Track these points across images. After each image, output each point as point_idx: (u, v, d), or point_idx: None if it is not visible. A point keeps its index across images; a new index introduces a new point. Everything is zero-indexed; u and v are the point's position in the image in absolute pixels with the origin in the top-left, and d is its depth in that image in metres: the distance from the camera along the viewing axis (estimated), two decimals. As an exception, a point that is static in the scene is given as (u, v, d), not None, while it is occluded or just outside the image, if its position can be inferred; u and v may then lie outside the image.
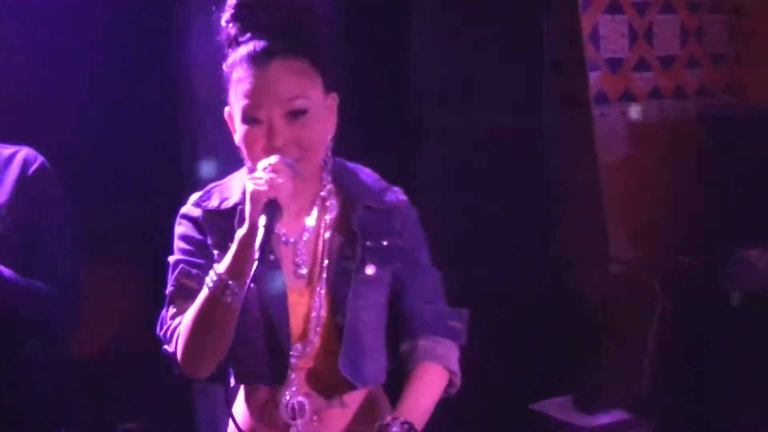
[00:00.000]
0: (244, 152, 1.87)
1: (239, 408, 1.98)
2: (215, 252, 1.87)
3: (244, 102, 1.80)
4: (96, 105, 3.32)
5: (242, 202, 1.83)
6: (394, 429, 1.84)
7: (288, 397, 1.91)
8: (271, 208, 1.71)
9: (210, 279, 1.77)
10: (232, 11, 1.86)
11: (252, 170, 1.85)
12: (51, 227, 2.21)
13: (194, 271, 1.87)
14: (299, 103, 1.80)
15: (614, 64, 4.11)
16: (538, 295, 3.95)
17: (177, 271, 1.87)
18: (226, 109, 1.92)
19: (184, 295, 1.85)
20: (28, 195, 2.13)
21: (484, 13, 3.86)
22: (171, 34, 3.62)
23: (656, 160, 4.20)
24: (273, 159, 1.75)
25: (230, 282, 1.74)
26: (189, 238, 1.91)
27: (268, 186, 1.70)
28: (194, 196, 1.97)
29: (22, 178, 2.14)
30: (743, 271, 3.71)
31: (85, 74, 3.31)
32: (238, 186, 1.91)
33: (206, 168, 3.43)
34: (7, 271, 2.10)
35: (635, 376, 3.83)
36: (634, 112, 4.13)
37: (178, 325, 1.83)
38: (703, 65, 4.36)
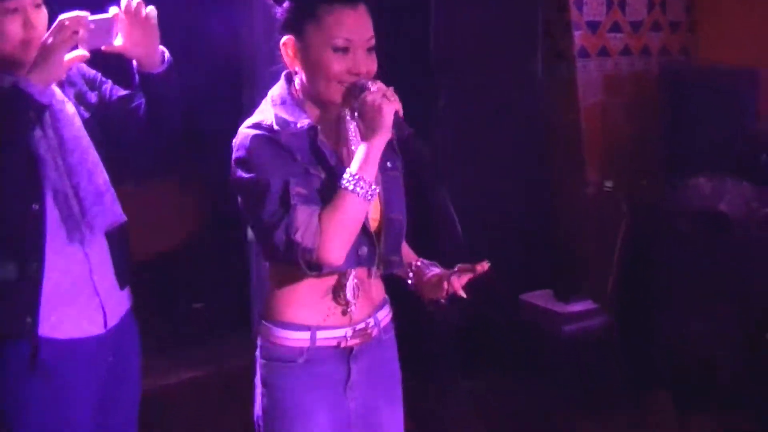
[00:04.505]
0: (310, 74, 2.00)
1: (295, 292, 2.09)
2: (309, 168, 2.00)
3: (338, 34, 1.96)
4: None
5: (314, 126, 2.02)
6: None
7: (351, 279, 2.10)
8: (400, 119, 1.97)
9: (347, 180, 1.94)
10: None
11: (288, 95, 2.04)
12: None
13: (302, 180, 1.98)
14: (373, 41, 2.02)
15: (593, 26, 4.57)
16: (529, 209, 4.42)
17: (290, 185, 1.95)
18: (287, 37, 2.03)
19: (303, 201, 1.96)
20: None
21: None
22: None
23: (625, 104, 4.63)
24: (379, 85, 1.96)
25: (370, 181, 1.95)
26: (281, 157, 1.99)
27: (393, 101, 1.94)
28: (258, 122, 2.01)
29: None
30: (691, 195, 3.96)
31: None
32: (293, 112, 2.03)
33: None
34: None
35: (603, 276, 4.29)
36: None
37: (314, 225, 1.94)
38: (664, 30, 4.80)
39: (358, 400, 2.16)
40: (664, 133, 4.45)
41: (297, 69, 2.06)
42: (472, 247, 3.97)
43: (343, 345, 2.12)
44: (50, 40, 2.01)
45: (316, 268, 2.00)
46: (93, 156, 2.24)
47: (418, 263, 2.26)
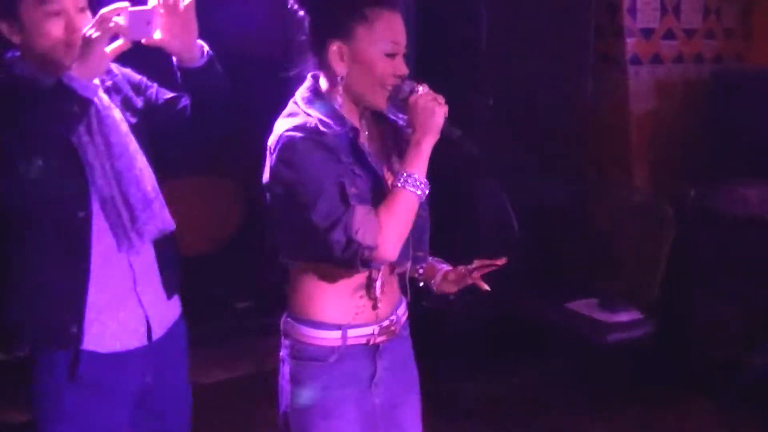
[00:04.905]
0: (359, 77, 2.03)
1: (325, 291, 2.12)
2: (354, 168, 2.03)
3: (389, 38, 2.02)
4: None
5: (354, 127, 2.05)
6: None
7: (380, 276, 2.15)
8: (447, 122, 2.04)
9: (403, 179, 2.00)
10: None
11: (347, 94, 2.06)
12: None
13: (351, 180, 2.00)
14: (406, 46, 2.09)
15: (647, 33, 4.54)
16: (575, 214, 4.44)
17: (345, 186, 1.98)
18: (337, 44, 2.03)
19: (359, 200, 1.99)
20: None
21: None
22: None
23: (676, 111, 4.58)
24: (426, 87, 2.05)
25: (423, 180, 2.02)
26: (330, 159, 2.00)
27: (442, 104, 2.02)
28: (301, 124, 2.01)
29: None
30: (740, 203, 4.07)
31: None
32: (330, 113, 2.04)
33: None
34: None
35: (649, 285, 4.25)
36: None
37: (373, 223, 1.97)
38: (718, 37, 4.77)
39: (383, 395, 2.21)
40: (714, 139, 4.42)
41: (341, 72, 2.06)
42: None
43: (371, 342, 2.17)
44: (89, 33, 2.01)
45: (368, 265, 2.03)
46: (141, 161, 2.22)
47: (428, 259, 2.32)
